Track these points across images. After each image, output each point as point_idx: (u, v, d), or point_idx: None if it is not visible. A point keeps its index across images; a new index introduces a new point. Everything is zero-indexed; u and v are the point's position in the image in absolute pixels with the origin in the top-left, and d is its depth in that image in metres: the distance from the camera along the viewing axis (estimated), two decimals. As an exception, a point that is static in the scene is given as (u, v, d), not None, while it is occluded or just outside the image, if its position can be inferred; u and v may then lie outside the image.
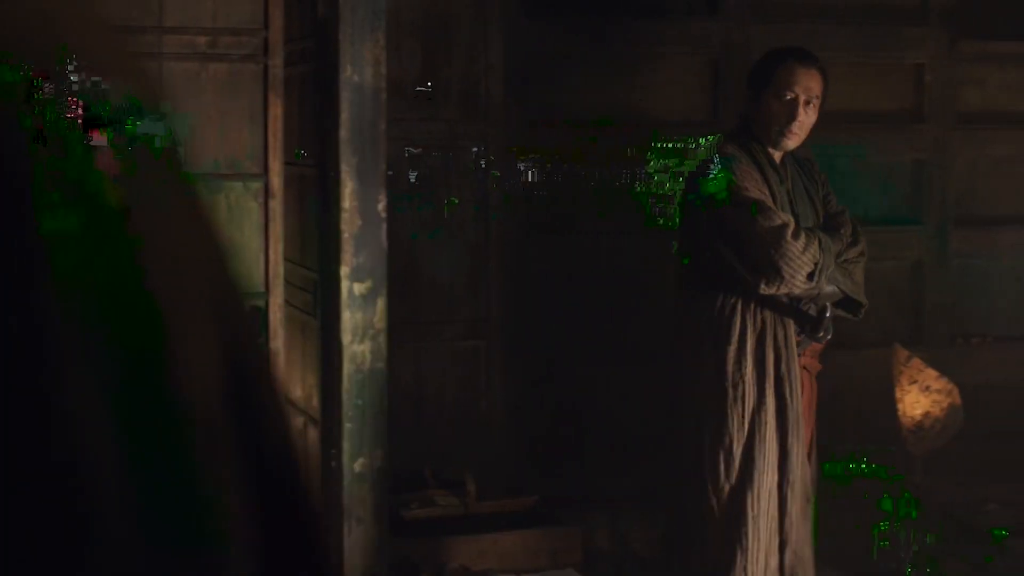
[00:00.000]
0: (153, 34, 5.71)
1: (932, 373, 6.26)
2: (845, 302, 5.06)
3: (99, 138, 0.70)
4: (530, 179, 6.33)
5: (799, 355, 5.00)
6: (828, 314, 4.94)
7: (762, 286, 4.84)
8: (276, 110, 5.81)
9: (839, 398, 6.31)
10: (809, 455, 5.12)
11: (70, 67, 0.70)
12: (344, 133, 4.84)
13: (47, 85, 0.69)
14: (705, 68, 6.61)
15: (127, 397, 0.70)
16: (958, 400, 6.23)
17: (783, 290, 4.86)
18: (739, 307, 4.92)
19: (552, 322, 6.38)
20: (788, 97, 4.95)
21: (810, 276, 4.84)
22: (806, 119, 4.98)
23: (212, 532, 0.72)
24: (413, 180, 6.09)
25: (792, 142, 5.00)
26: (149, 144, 0.73)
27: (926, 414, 6.29)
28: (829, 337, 5.00)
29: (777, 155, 5.05)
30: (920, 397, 6.30)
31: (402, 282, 5.88)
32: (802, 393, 5.02)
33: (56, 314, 0.69)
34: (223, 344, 0.76)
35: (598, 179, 6.43)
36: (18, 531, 0.67)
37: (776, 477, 4.92)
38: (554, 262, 6.38)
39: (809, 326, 4.95)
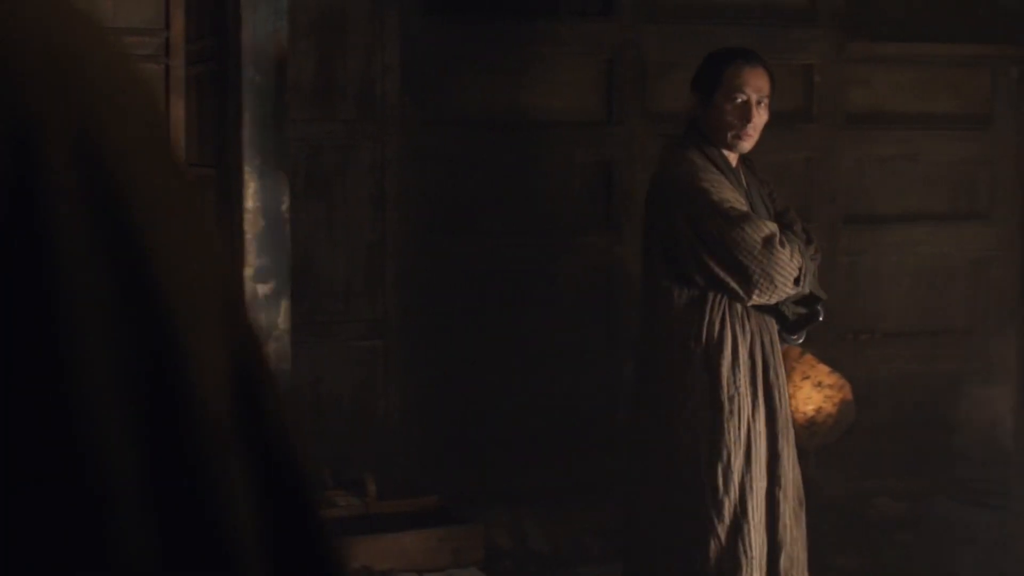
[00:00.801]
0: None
1: (824, 369, 6.34)
2: (804, 299, 5.02)
3: None
4: (428, 179, 6.33)
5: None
6: (821, 317, 4.93)
7: (755, 296, 4.80)
8: (178, 111, 5.76)
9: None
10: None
11: None
12: (247, 134, 4.82)
13: None
14: (600, 68, 6.64)
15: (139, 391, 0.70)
16: (850, 395, 6.31)
17: (775, 298, 4.83)
18: (728, 318, 4.87)
19: (451, 322, 6.39)
20: (740, 99, 4.89)
21: (796, 281, 4.83)
22: (759, 120, 4.92)
23: (223, 534, 0.72)
24: (310, 180, 6.07)
25: (748, 144, 4.95)
26: None
27: (818, 410, 6.36)
28: (803, 338, 5.00)
29: (732, 158, 5.01)
30: (812, 393, 6.37)
31: (300, 282, 5.85)
32: None
33: (66, 301, 0.69)
34: (230, 344, 0.76)
35: (495, 179, 6.45)
36: (26, 530, 0.67)
37: (766, 483, 4.91)
38: (453, 262, 6.39)
39: (787, 328, 4.94)
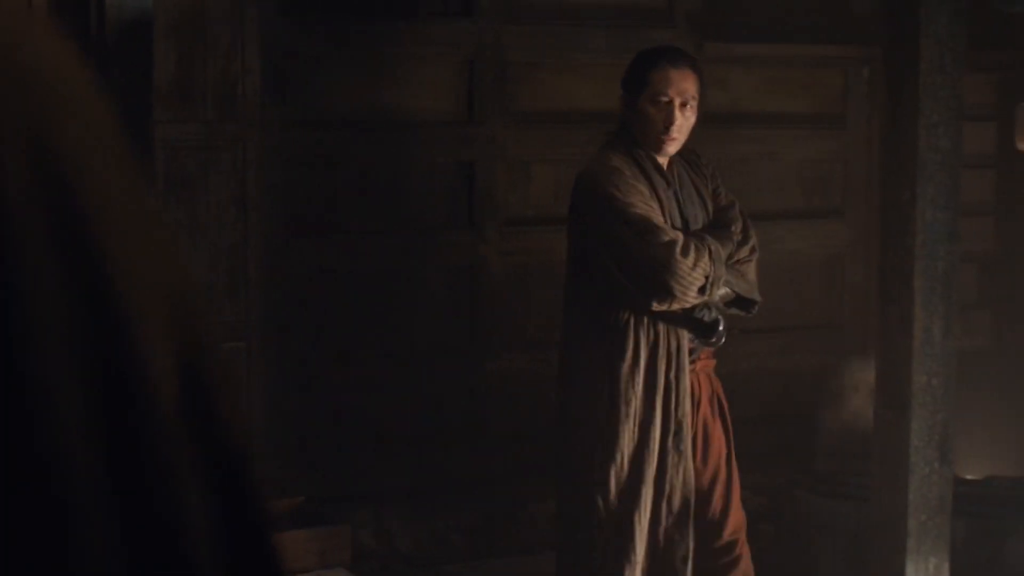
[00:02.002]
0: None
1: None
2: (738, 301, 5.02)
3: None
4: (290, 180, 6.30)
5: (695, 360, 4.99)
6: (721, 327, 4.88)
7: (654, 304, 4.79)
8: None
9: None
10: (729, 456, 5.14)
11: None
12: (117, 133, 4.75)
13: None
14: (460, 69, 6.66)
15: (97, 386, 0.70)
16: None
17: (675, 306, 4.80)
18: (632, 321, 4.86)
19: (315, 322, 6.37)
20: (663, 100, 4.86)
21: (701, 290, 4.80)
22: (684, 122, 4.89)
23: (180, 536, 0.73)
24: (170, 182, 6.01)
25: (672, 147, 4.92)
26: None
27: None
28: (723, 342, 4.97)
29: (663, 159, 4.98)
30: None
31: (162, 285, 5.78)
32: (701, 395, 5.03)
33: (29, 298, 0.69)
34: (181, 343, 0.76)
35: (358, 179, 6.44)
36: None
37: (652, 489, 4.91)
38: (316, 263, 6.37)
39: (702, 333, 4.90)
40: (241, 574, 0.76)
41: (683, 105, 4.88)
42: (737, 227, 5.03)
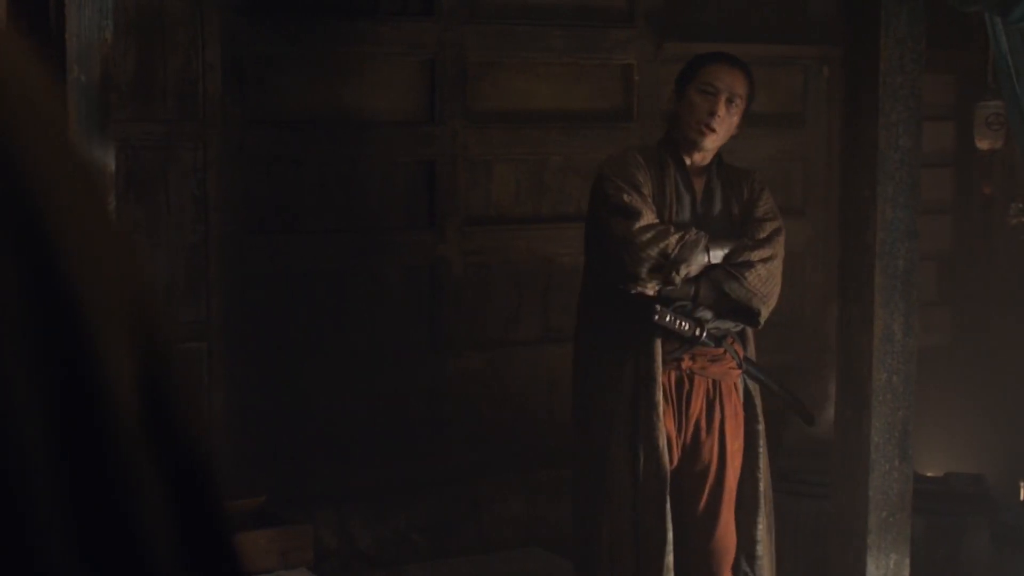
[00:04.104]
0: None
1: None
2: (739, 310, 4.96)
3: None
4: (250, 179, 6.29)
5: (681, 358, 4.96)
6: (669, 318, 4.79)
7: (615, 282, 4.82)
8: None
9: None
10: (722, 474, 5.07)
11: None
12: (71, 134, 4.73)
13: None
14: (422, 68, 6.66)
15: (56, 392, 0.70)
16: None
17: (634, 286, 4.79)
18: (611, 311, 4.92)
19: (277, 322, 6.36)
20: (710, 91, 4.90)
21: (656, 269, 4.76)
22: (727, 117, 4.91)
23: (139, 539, 0.72)
24: (130, 181, 5.99)
25: (710, 141, 4.93)
26: None
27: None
28: (700, 336, 4.89)
29: (699, 156, 4.99)
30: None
31: (122, 285, 5.77)
32: (692, 395, 5.00)
33: None
34: (139, 348, 0.76)
35: (319, 179, 6.43)
36: None
37: (627, 476, 4.91)
38: (276, 262, 6.35)
39: (649, 324, 4.84)
40: (197, 572, 0.76)
41: (729, 101, 4.92)
42: (756, 235, 4.98)
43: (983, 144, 7.02)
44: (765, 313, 4.98)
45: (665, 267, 4.78)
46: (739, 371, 5.08)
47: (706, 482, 5.07)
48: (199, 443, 0.78)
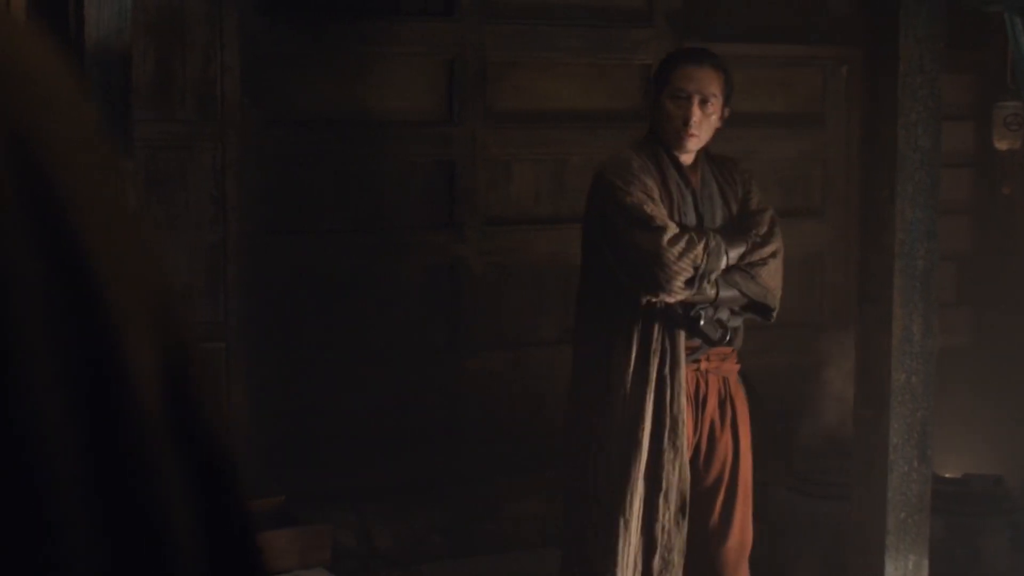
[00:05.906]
0: None
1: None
2: (753, 305, 4.99)
3: None
4: (269, 179, 6.30)
5: (696, 359, 4.96)
6: (703, 322, 4.83)
7: (642, 294, 4.79)
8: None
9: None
10: (736, 467, 5.09)
11: None
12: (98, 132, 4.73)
13: None
14: (441, 68, 6.66)
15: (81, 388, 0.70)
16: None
17: (664, 298, 4.79)
18: (627, 316, 4.86)
19: (293, 322, 6.36)
20: (682, 96, 4.87)
21: (690, 282, 4.77)
22: (704, 118, 4.89)
23: (164, 536, 0.72)
24: (150, 181, 6.00)
25: (692, 143, 4.92)
26: None
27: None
28: (727, 339, 4.93)
29: (686, 157, 4.99)
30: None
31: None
32: (707, 396, 5.01)
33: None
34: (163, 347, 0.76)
35: (337, 179, 6.43)
36: None
37: (646, 485, 4.88)
38: (295, 262, 6.36)
39: (696, 331, 4.86)
40: (223, 574, 0.76)
41: (703, 102, 4.89)
42: (760, 230, 5.01)
43: (1001, 144, 7.00)
44: (777, 306, 5.04)
45: (695, 279, 4.79)
46: (739, 366, 5.12)
47: (722, 479, 5.08)
48: (222, 438, 0.78)
